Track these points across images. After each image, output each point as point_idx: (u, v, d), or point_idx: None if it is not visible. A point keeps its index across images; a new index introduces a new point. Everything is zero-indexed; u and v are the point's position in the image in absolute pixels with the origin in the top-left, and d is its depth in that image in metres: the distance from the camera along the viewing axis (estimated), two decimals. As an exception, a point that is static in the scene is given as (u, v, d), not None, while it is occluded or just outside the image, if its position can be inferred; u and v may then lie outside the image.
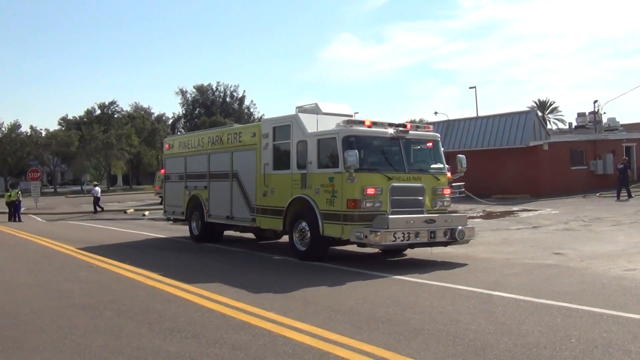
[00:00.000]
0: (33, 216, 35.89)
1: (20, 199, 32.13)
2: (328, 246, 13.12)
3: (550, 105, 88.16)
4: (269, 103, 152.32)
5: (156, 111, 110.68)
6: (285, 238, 15.76)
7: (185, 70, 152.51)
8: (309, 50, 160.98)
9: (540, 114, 48.96)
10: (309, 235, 12.92)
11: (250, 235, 18.50)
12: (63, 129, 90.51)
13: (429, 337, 6.77)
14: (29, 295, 9.67)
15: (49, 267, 12.96)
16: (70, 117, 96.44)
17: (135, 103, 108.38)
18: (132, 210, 37.37)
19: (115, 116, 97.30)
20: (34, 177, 42.32)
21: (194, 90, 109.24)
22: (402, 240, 11.56)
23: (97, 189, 37.74)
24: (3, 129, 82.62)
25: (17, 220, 30.84)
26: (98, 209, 36.17)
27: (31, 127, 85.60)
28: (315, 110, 14.32)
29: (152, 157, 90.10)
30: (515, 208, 27.18)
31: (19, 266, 13.34)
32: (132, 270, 12.03)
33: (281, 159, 14.08)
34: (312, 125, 13.36)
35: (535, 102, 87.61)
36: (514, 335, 6.77)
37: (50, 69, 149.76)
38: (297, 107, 14.81)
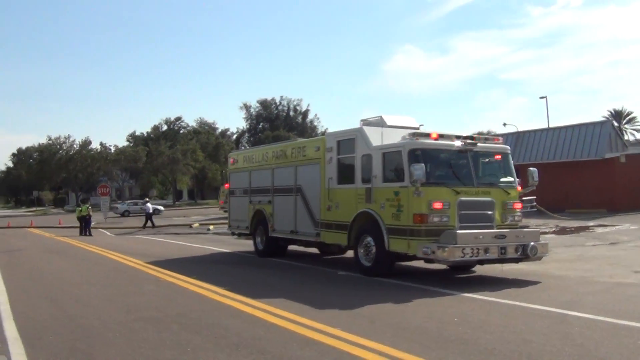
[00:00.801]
0: (103, 230, 37.13)
1: (91, 213, 33.32)
2: (394, 262, 13.06)
3: (627, 115, 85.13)
4: (332, 117, 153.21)
5: (220, 126, 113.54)
6: (349, 253, 15.75)
7: (250, 85, 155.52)
8: (372, 63, 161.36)
9: (616, 124, 47.32)
10: (374, 250, 12.89)
11: (315, 250, 18.54)
12: (131, 145, 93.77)
13: (501, 358, 6.61)
14: (99, 308, 9.98)
15: (119, 281, 13.34)
16: (137, 133, 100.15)
17: (200, 119, 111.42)
18: (197, 224, 38.12)
19: (181, 132, 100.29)
20: (103, 193, 43.82)
21: (258, 104, 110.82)
22: (471, 257, 11.38)
23: (149, 205, 38.64)
24: (75, 145, 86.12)
25: (87, 234, 31.97)
26: (148, 224, 36.95)
27: (101, 144, 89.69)
28: (379, 123, 14.32)
29: (217, 171, 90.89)
30: (590, 223, 26.32)
31: (91, 279, 13.78)
32: (198, 285, 12.23)
33: (345, 173, 14.14)
34: (376, 138, 13.36)
35: (611, 112, 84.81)
36: (592, 358, 6.54)
37: (119, 87, 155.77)
38: (361, 121, 14.82)
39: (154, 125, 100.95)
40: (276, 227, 17.18)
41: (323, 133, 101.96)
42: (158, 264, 16.33)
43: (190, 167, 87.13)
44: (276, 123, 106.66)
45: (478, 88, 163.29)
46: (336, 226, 14.27)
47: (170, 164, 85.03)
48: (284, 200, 16.81)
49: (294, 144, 17.02)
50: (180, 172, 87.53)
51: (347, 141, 14.10)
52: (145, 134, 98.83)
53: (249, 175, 19.05)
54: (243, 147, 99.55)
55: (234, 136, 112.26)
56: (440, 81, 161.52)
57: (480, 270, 13.93)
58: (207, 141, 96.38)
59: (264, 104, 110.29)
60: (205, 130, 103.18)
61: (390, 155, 12.64)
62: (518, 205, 12.97)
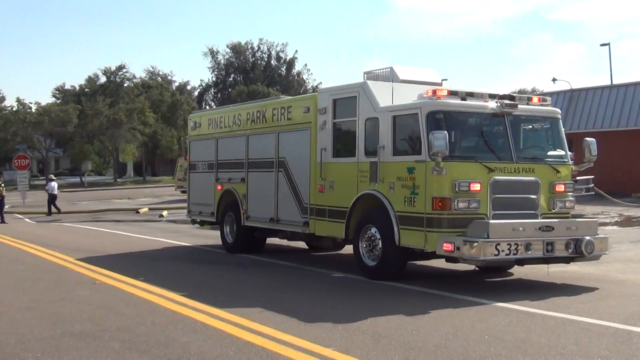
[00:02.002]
0: (19, 216, 36.99)
1: (4, 193, 33.12)
2: (406, 260, 13.20)
3: None
4: (327, 68, 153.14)
5: (178, 79, 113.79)
6: (347, 249, 15.85)
7: (216, 23, 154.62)
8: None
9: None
10: (380, 245, 13.05)
11: (302, 245, 18.71)
12: (58, 102, 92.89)
13: (545, 387, 6.63)
14: (16, 320, 9.96)
15: (41, 284, 13.32)
16: (67, 86, 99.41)
17: (151, 68, 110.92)
18: (145, 209, 38.07)
19: (125, 85, 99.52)
20: (21, 166, 43.60)
21: (228, 50, 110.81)
22: (507, 254, 11.43)
23: (54, 184, 37.78)
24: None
25: (0, 221, 31.84)
26: (53, 210, 36.70)
27: (18, 100, 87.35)
28: (389, 76, 14.36)
29: (172, 139, 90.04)
30: (664, 211, 26.47)
31: (3, 282, 13.77)
32: (147, 290, 12.27)
33: (344, 142, 14.33)
34: (385, 96, 13.43)
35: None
36: (664, 388, 6.58)
37: (41, 24, 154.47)
38: (365, 73, 14.85)
39: (89, 77, 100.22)
40: (251, 213, 17.33)
41: (315, 89, 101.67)
42: (94, 262, 16.35)
43: (138, 132, 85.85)
44: (252, 75, 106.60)
45: (519, 32, 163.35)
46: (330, 213, 14.42)
47: (111, 128, 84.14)
48: (261, 177, 16.97)
49: (276, 102, 17.12)
50: (123, 139, 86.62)
51: (347, 100, 14.19)
52: (78, 88, 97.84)
53: (215, 144, 19.22)
54: (208, 107, 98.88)
55: (196, 92, 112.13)
56: (468, 22, 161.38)
57: (518, 272, 14.00)
58: (160, 98, 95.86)
59: (236, 49, 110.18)
60: (157, 84, 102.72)
61: (402, 119, 12.73)
62: (570, 188, 13.05)
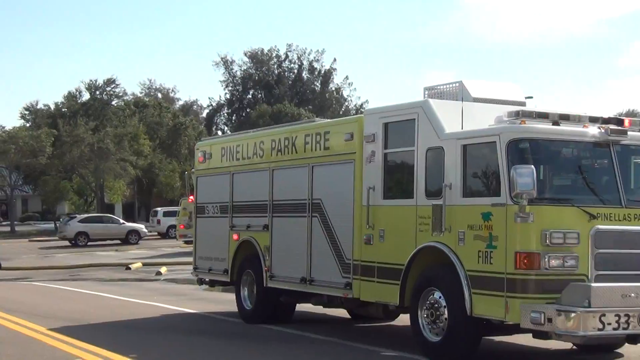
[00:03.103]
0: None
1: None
2: (480, 335, 13.01)
3: None
4: (375, 82, 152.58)
5: (183, 96, 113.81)
6: (403, 319, 15.68)
7: (231, 26, 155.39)
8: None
9: None
10: (445, 315, 12.88)
11: (342, 313, 18.58)
12: (28, 125, 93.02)
13: None
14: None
15: (3, 361, 13.30)
16: (40, 105, 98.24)
17: (148, 82, 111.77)
18: (138, 264, 38.05)
19: (114, 104, 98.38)
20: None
21: (246, 59, 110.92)
22: (615, 329, 11.27)
23: None
24: None
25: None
26: None
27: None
28: (458, 93, 14.34)
29: (174, 173, 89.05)
30: None
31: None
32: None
33: (398, 179, 14.43)
34: (453, 120, 13.43)
35: None
36: None
37: (7, 28, 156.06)
38: (426, 90, 14.86)
39: (68, 93, 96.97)
40: (276, 271, 17.33)
41: (359, 110, 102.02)
42: (71, 332, 16.31)
43: (129, 165, 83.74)
44: (277, 91, 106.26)
45: (628, 36, 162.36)
46: (380, 272, 14.32)
47: (95, 160, 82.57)
48: (289, 224, 17.07)
49: (309, 127, 17.23)
50: (111, 174, 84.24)
51: (402, 124, 14.22)
52: (53, 108, 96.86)
53: (230, 180, 19.24)
54: (220, 133, 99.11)
55: (205, 113, 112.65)
56: (559, 24, 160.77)
57: (631, 352, 13.75)
58: (159, 120, 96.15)
59: (257, 58, 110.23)
60: (155, 102, 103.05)
61: (476, 150, 12.71)
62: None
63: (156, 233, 67.48)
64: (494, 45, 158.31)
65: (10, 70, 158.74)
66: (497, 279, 11.96)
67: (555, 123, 12.44)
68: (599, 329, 11.17)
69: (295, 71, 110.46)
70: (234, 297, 19.02)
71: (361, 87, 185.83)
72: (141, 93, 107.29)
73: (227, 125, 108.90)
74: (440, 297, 12.97)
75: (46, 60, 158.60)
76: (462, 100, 14.00)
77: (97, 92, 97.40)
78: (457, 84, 14.48)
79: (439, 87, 14.78)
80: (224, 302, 21.48)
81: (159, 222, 66.40)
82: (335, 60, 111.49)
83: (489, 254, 12.12)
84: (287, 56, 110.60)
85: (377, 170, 14.58)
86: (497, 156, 12.15)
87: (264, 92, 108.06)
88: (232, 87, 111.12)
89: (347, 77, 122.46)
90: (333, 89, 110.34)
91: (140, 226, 66.28)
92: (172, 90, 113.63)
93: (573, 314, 11.11)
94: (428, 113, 13.61)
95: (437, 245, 13.02)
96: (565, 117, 12.57)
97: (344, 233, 15.30)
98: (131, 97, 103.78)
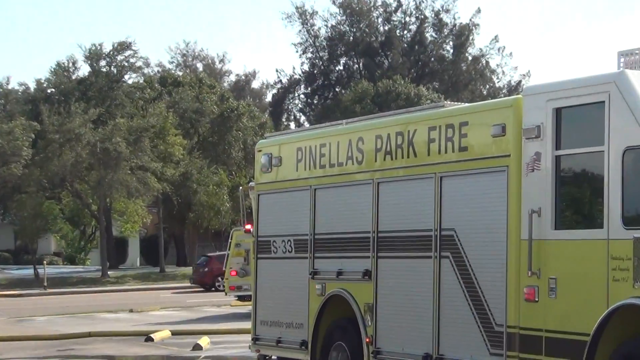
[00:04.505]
0: None
1: None
2: None
3: None
4: (539, 46, 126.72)
5: (235, 68, 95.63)
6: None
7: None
8: None
9: None
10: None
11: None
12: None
13: None
14: None
15: None
16: (13, 85, 73.77)
17: (181, 47, 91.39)
18: (165, 333, 33.27)
19: (128, 81, 73.45)
20: None
21: (336, 9, 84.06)
22: None
23: None
24: None
25: None
26: None
27: None
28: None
29: (221, 189, 67.52)
30: None
31: None
32: None
33: (578, 197, 12.10)
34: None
35: None
36: None
37: None
38: (621, 56, 13.52)
39: (58, 65, 70.46)
40: (384, 343, 14.45)
41: (514, 89, 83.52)
42: None
43: (151, 176, 62.18)
44: (384, 59, 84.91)
45: None
46: (552, 345, 11.84)
47: (98, 167, 61.89)
48: (405, 270, 14.31)
49: (435, 116, 14.17)
50: (123, 190, 62.41)
51: (584, 110, 11.85)
52: (34, 89, 71.36)
53: (310, 200, 16.23)
54: (292, 126, 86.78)
55: (270, 93, 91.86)
56: None
57: None
58: (199, 107, 71.60)
59: (351, 7, 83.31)
60: (193, 79, 78.02)
61: None
62: None
63: (192, 281, 56.93)
64: None
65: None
66: None
67: None
68: None
69: (413, 29, 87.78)
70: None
71: (518, 55, 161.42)
72: (171, 64, 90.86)
73: (304, 114, 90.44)
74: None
75: (23, 21, 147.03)
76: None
77: (103, 64, 69.93)
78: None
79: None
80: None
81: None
82: (479, 10, 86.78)
83: None
84: (399, 5, 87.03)
85: (544, 184, 11.93)
86: None
87: (363, 61, 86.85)
88: (313, 53, 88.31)
89: (495, 38, 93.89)
90: (472, 55, 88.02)
91: None
92: (220, 60, 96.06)
93: None
94: (625, 92, 11.25)
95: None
96: None
97: (492, 283, 12.63)
98: (155, 70, 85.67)
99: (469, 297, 12.91)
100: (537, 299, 11.87)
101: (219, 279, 47.19)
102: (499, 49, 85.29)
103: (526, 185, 12.11)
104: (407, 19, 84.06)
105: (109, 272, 64.33)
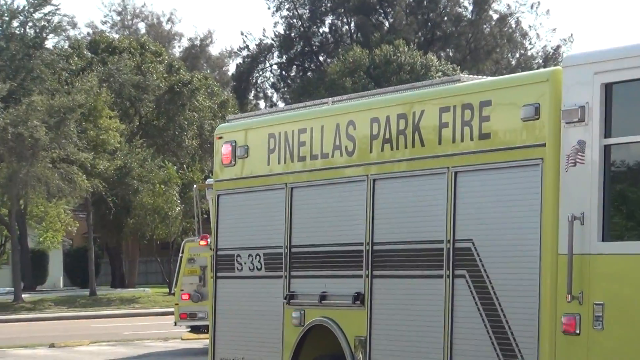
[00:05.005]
0: None
1: None
2: None
3: None
4: (582, 5, 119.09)
5: (187, 31, 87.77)
6: None
7: None
8: None
9: None
10: None
11: None
12: None
13: None
14: None
15: None
16: None
17: (116, 3, 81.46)
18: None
19: (50, 46, 62.86)
20: None
21: None
22: None
23: None
24: None
25: None
26: None
27: None
28: None
29: (170, 188, 58.54)
30: None
31: None
32: None
33: (632, 200, 10.76)
34: None
35: None
36: None
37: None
38: None
39: None
40: None
41: (550, 58, 74.36)
42: None
43: (78, 170, 52.96)
44: (383, 19, 75.52)
45: None
46: None
47: (10, 159, 52.49)
48: (408, 293, 12.81)
49: (449, 92, 12.59)
50: (42, 189, 53.10)
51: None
52: None
53: (285, 202, 14.54)
54: (262, 105, 78.64)
55: (234, 63, 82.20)
56: None
57: None
58: (141, 80, 62.06)
59: None
60: (134, 44, 68.10)
61: None
62: None
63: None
64: None
65: None
66: None
67: None
68: None
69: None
70: None
71: (558, 14, 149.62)
72: (104, 24, 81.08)
73: (278, 90, 79.62)
74: None
75: None
76: None
77: (15, 24, 59.86)
78: None
79: None
80: None
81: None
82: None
83: None
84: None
85: (589, 182, 10.59)
86: None
87: (355, 21, 76.29)
88: (290, 10, 77.23)
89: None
90: (498, 14, 77.12)
91: None
92: (168, 20, 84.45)
93: None
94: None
95: None
96: None
97: (521, 311, 11.13)
98: (85, 32, 76.14)
99: (490, 328, 11.32)
100: (578, 332, 10.44)
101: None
102: (532, 6, 74.65)
103: (566, 184, 10.59)
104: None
105: (23, 296, 54.67)
